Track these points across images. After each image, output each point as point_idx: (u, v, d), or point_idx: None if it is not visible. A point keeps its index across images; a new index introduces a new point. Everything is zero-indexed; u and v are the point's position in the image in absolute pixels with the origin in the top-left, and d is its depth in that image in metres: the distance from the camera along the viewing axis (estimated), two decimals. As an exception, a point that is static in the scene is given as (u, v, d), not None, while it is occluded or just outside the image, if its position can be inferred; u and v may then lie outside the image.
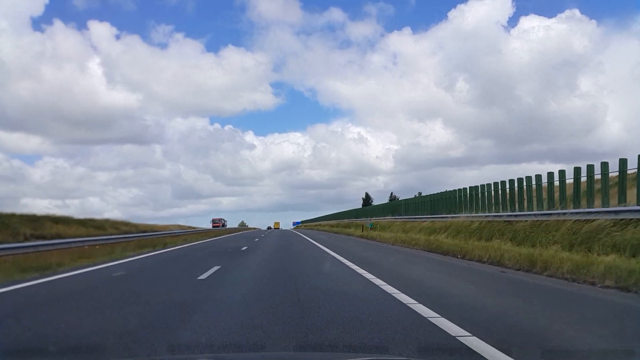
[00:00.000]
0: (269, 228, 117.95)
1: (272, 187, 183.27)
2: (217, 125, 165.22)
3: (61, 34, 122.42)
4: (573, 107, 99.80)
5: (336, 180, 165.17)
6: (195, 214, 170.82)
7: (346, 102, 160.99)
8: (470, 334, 4.69)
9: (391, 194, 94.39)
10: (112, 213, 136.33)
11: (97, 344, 4.79)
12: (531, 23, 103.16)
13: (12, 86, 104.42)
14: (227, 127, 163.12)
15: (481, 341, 4.46)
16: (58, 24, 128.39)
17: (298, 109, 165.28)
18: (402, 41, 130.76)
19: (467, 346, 4.38)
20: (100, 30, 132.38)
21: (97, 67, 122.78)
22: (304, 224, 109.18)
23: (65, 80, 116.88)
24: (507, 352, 4.13)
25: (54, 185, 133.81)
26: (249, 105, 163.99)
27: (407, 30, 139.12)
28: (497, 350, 4.18)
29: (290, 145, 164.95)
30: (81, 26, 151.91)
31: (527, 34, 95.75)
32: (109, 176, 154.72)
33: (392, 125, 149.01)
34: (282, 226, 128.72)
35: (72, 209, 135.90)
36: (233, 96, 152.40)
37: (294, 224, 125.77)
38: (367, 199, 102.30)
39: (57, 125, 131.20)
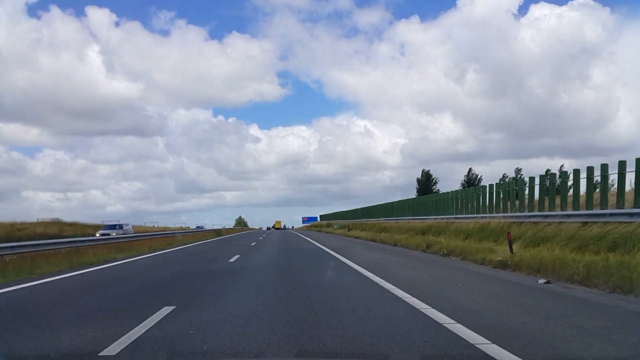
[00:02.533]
0: (269, 228, 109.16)
1: (276, 182, 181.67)
2: (220, 118, 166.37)
3: (58, 21, 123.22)
4: (585, 99, 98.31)
5: (342, 175, 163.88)
6: (198, 209, 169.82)
7: (352, 94, 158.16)
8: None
9: (469, 170, 71.91)
10: (115, 207, 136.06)
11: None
12: (542, 11, 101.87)
13: (8, 75, 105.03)
14: (231, 119, 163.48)
15: None
16: (55, 10, 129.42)
17: (304, 101, 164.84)
18: (410, 30, 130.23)
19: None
20: (99, 16, 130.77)
21: (96, 56, 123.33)
22: (331, 223, 62.68)
23: (63, 69, 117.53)
24: None
25: (55, 178, 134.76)
26: (254, 96, 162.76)
27: (415, 18, 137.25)
28: None
29: (295, 139, 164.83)
30: (79, 12, 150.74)
31: (537, 23, 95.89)
32: (111, 169, 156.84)
33: (400, 118, 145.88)
34: (288, 224, 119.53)
35: (74, 202, 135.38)
36: (238, 86, 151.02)
37: (305, 220, 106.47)
38: (427, 181, 75.13)
39: (55, 115, 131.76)
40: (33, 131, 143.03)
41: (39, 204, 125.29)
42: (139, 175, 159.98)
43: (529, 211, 16.32)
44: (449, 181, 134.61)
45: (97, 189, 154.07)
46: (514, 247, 12.51)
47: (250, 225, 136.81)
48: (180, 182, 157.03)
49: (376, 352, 4.23)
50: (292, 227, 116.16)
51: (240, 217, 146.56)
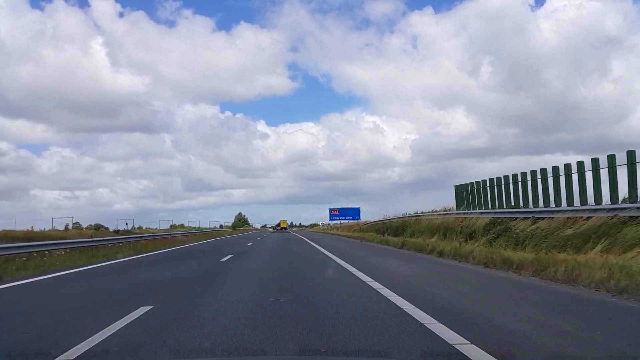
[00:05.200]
0: (274, 228, 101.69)
1: (284, 179, 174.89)
2: (228, 113, 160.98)
3: (62, 12, 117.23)
4: (604, 93, 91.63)
5: (351, 172, 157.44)
6: (205, 207, 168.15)
7: (362, 89, 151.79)
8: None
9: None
10: (122, 205, 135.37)
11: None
12: (560, 1, 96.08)
13: (11, 69, 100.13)
14: (239, 115, 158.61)
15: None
16: (58, 1, 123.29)
17: (312, 96, 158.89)
18: (423, 22, 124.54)
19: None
20: (103, 7, 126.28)
21: (100, 48, 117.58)
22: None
23: (67, 62, 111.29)
24: None
25: (62, 177, 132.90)
26: (263, 89, 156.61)
27: (428, 9, 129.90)
28: None
29: (303, 135, 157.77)
30: (83, 3, 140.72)
31: (556, 14, 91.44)
32: (118, 167, 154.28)
33: (410, 113, 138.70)
34: (296, 221, 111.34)
35: (82, 200, 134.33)
36: (247, 79, 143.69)
37: (335, 214, 67.62)
38: None
39: (60, 111, 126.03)
40: (39, 128, 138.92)
41: (47, 203, 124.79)
42: (146, 173, 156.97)
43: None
44: (463, 177, 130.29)
45: (105, 187, 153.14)
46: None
47: (252, 223, 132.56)
48: (187, 180, 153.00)
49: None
50: (300, 224, 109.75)
51: (240, 214, 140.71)
